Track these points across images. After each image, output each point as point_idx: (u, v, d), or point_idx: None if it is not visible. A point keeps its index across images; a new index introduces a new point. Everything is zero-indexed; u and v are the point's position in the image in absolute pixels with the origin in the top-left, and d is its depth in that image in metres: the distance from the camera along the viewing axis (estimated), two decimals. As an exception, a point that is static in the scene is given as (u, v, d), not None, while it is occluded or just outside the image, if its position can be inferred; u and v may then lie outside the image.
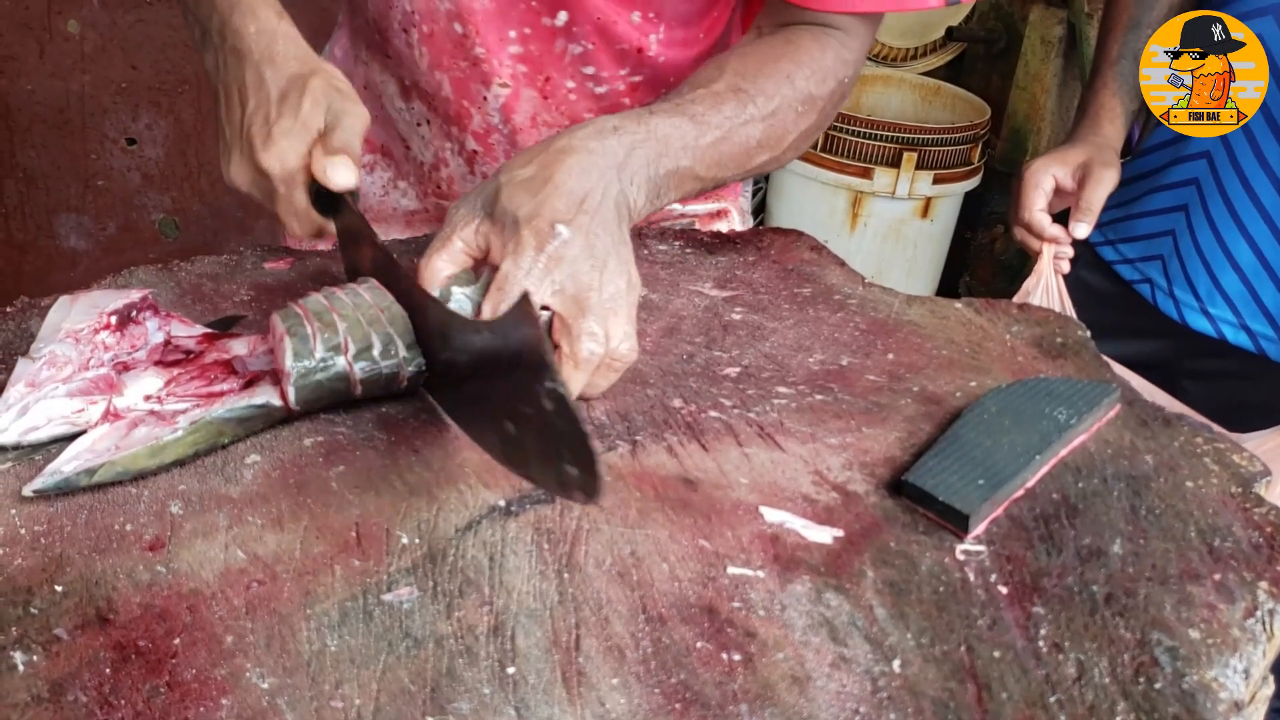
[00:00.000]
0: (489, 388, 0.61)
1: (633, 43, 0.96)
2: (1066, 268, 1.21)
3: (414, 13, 0.96)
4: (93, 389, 0.64)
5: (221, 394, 0.66)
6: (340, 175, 0.72)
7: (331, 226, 0.77)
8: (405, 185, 1.10)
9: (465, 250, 0.71)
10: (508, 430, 0.59)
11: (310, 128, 0.73)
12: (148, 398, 0.66)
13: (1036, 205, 1.20)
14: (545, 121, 0.99)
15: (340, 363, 0.67)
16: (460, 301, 0.70)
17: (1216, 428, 1.07)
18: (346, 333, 0.67)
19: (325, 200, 0.75)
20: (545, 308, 0.68)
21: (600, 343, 0.67)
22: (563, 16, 0.93)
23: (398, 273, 0.70)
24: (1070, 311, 1.20)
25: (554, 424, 0.54)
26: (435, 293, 0.70)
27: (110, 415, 0.64)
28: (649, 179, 0.76)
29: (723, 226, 1.14)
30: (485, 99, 0.98)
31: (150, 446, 0.62)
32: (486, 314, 0.68)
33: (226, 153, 0.77)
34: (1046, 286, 1.18)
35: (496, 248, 0.70)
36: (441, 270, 0.71)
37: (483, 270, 0.72)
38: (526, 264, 0.67)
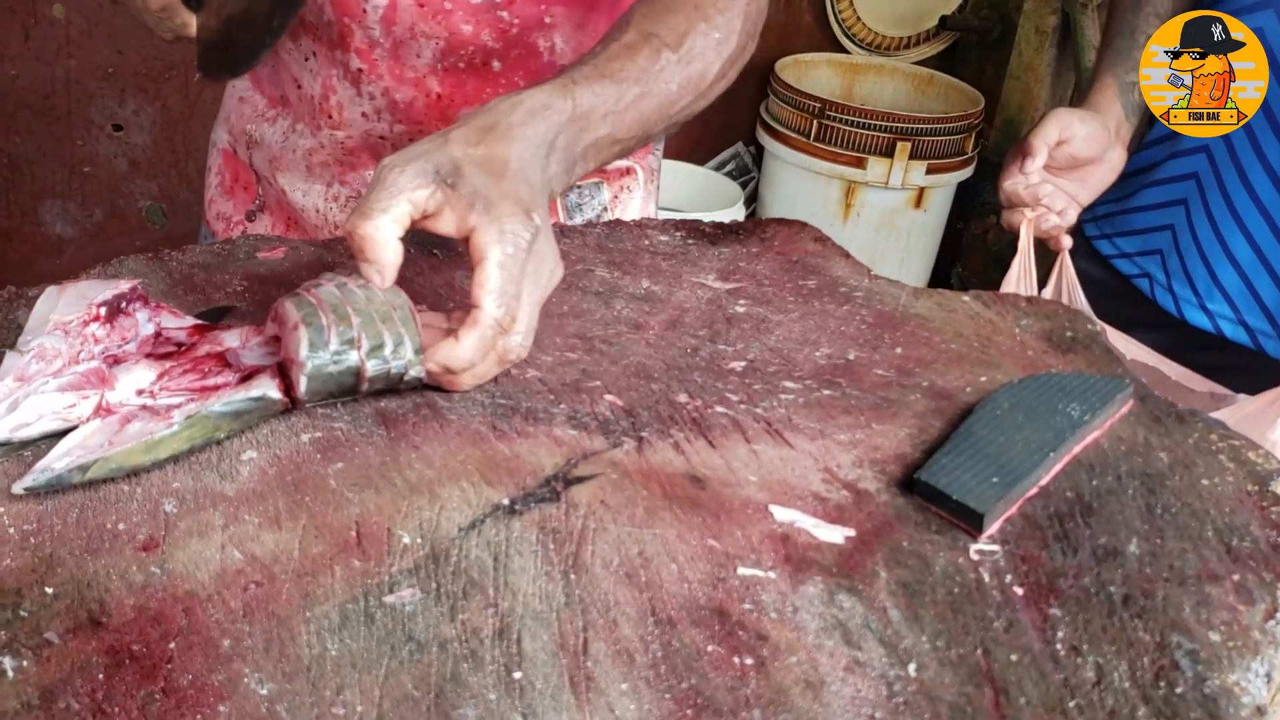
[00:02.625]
0: None
1: None
2: (1068, 243, 1.19)
3: None
4: (84, 383, 0.62)
5: (216, 388, 0.64)
6: None
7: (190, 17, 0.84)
8: (301, 126, 1.09)
9: (412, 213, 0.69)
10: None
11: None
12: (140, 392, 0.64)
13: (1012, 175, 1.18)
14: (424, 32, 0.98)
15: (353, 357, 0.65)
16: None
17: (1198, 388, 1.06)
18: (361, 328, 0.66)
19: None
20: None
21: (528, 346, 0.70)
22: None
23: None
24: (1076, 298, 1.18)
25: None
26: (386, 260, 0.68)
27: (102, 410, 0.62)
28: (569, 159, 0.76)
29: (628, 184, 1.13)
30: (365, 12, 0.98)
31: (145, 442, 0.60)
32: (489, 307, 0.67)
33: None
34: (1026, 266, 1.15)
35: (453, 220, 0.69)
36: (390, 233, 0.68)
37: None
38: (514, 252, 0.68)
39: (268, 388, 0.64)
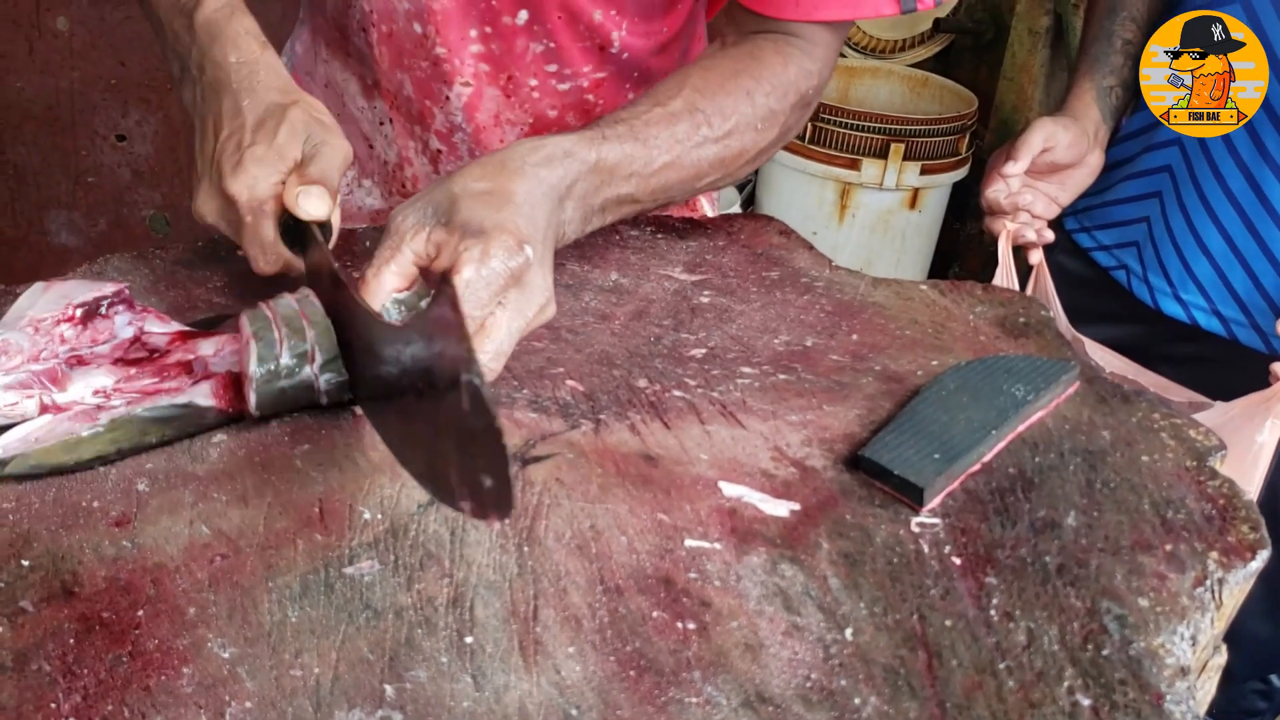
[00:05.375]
0: (414, 400, 0.57)
1: (595, 39, 0.96)
2: (1037, 257, 1.23)
3: (372, 12, 0.95)
4: (33, 382, 0.64)
5: (167, 392, 0.66)
6: (313, 205, 0.69)
7: (299, 263, 0.73)
8: (370, 184, 1.09)
9: (415, 260, 0.68)
10: (428, 442, 0.55)
11: (285, 156, 0.70)
12: (96, 392, 0.66)
13: (994, 184, 1.23)
14: (509, 119, 0.99)
15: (306, 372, 0.65)
16: (391, 312, 0.68)
17: (1176, 398, 1.08)
18: (315, 341, 0.65)
19: (295, 235, 0.72)
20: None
21: (494, 371, 0.67)
22: (524, 15, 0.93)
23: (358, 314, 0.65)
24: (1052, 307, 1.20)
25: (471, 426, 0.49)
26: (378, 306, 0.67)
27: (53, 409, 0.64)
28: (585, 209, 0.76)
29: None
30: (448, 98, 0.98)
31: (65, 441, 0.61)
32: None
33: (197, 185, 0.74)
34: (1007, 272, 1.19)
35: (448, 254, 0.67)
36: (389, 284, 0.67)
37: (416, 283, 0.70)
38: (489, 275, 0.65)
39: (197, 395, 0.65)
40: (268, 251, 0.72)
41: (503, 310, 0.66)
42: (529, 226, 0.68)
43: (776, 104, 0.88)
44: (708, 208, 1.16)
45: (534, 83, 0.97)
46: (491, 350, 0.66)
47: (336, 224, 0.73)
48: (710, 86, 0.85)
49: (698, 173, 0.84)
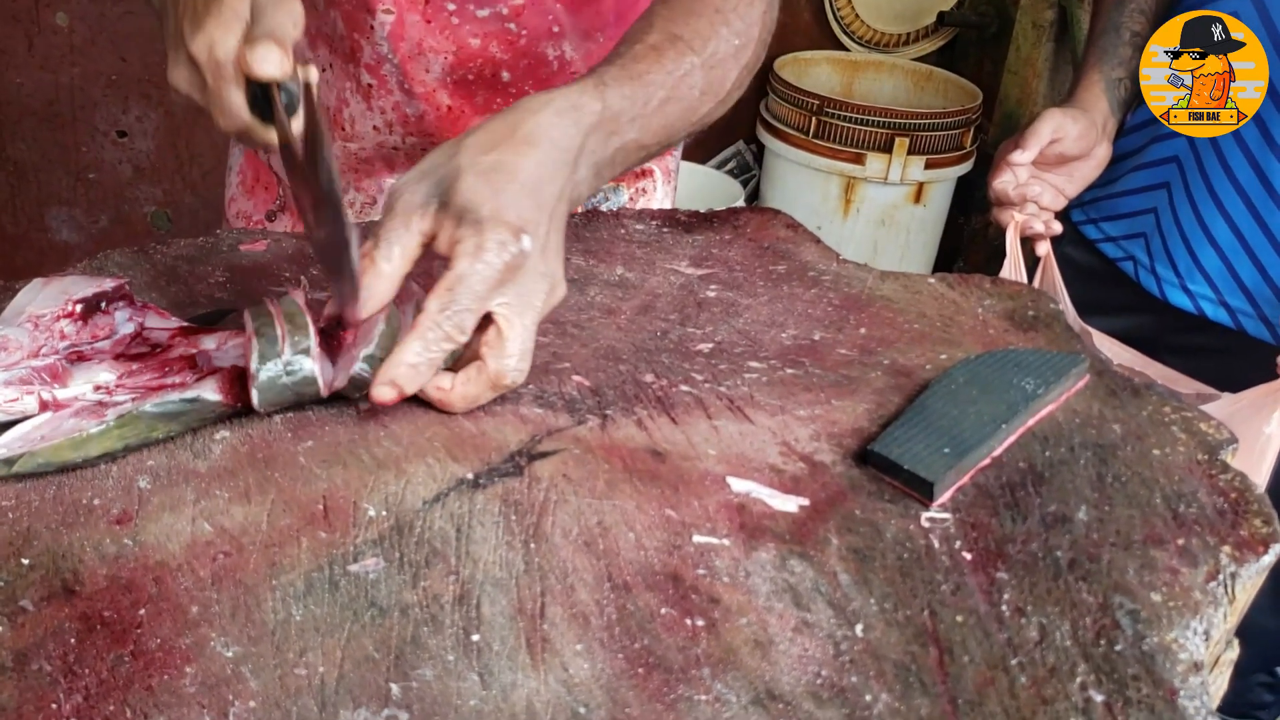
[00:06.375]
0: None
1: None
2: (1044, 249, 1.22)
3: None
4: (33, 378, 0.63)
5: (171, 387, 0.65)
6: (262, 62, 0.66)
7: (269, 134, 0.70)
8: None
9: (422, 243, 0.68)
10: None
11: (239, 16, 0.68)
12: (98, 388, 0.65)
13: (1002, 174, 1.22)
14: (432, 48, 0.99)
15: (307, 366, 0.65)
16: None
17: (1183, 389, 1.07)
18: (318, 334, 0.66)
19: (265, 105, 0.69)
20: (488, 315, 0.67)
21: (523, 371, 0.68)
22: None
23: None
24: (1060, 299, 1.20)
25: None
26: (387, 295, 0.67)
27: (52, 405, 0.63)
28: (597, 165, 0.75)
29: (645, 186, 1.14)
30: (372, 27, 0.98)
31: (73, 439, 0.61)
32: (433, 310, 0.65)
33: (169, 58, 0.73)
34: (1015, 264, 1.18)
35: (446, 238, 0.67)
36: (400, 269, 0.67)
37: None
38: (484, 270, 0.65)
39: (204, 390, 0.64)
40: (229, 113, 0.69)
41: (509, 308, 0.67)
42: (531, 209, 0.68)
43: (745, 14, 0.87)
44: (660, 179, 1.15)
45: (452, 7, 0.97)
46: (515, 352, 0.67)
47: (314, 79, 0.70)
48: (679, 13, 0.84)
49: (692, 104, 0.83)
